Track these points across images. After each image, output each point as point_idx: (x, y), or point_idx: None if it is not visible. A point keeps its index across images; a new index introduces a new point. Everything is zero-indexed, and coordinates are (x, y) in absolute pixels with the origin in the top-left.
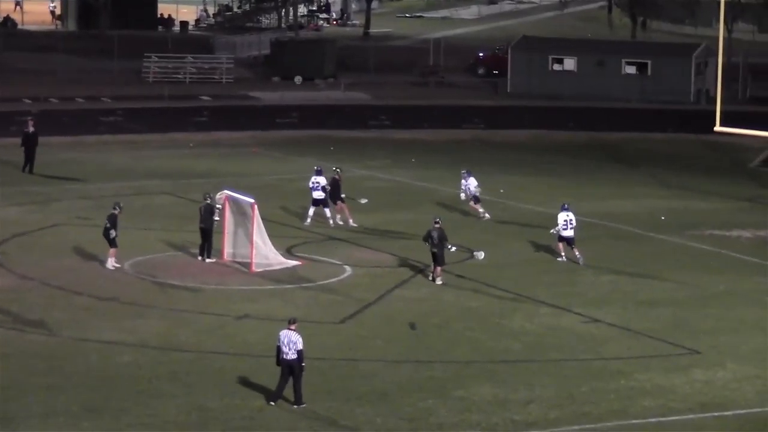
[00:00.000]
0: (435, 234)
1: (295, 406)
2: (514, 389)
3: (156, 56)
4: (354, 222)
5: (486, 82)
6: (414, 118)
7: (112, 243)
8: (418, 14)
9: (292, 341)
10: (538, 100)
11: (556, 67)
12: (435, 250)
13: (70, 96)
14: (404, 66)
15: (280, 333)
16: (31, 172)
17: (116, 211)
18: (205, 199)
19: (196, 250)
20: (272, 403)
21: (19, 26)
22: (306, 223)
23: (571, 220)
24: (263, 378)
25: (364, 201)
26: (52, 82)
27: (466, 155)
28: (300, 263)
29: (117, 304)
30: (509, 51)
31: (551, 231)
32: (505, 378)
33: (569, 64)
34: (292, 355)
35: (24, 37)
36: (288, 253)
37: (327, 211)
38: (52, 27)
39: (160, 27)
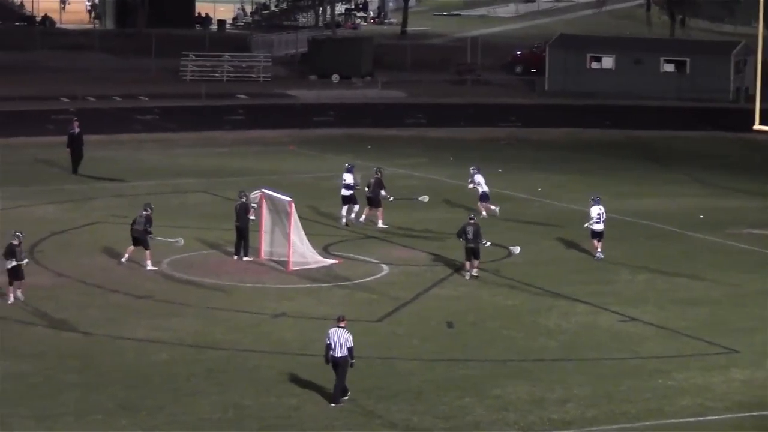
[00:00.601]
0: (470, 229)
1: (332, 405)
2: (550, 388)
3: (193, 55)
4: (383, 224)
5: (523, 81)
6: (450, 117)
7: (147, 245)
8: (455, 12)
9: (342, 339)
10: (576, 98)
11: (594, 65)
12: (471, 245)
13: (106, 94)
14: (441, 64)
15: (329, 330)
16: (75, 172)
17: (148, 212)
18: (241, 198)
19: (232, 249)
20: (342, 401)
21: (57, 25)
22: (343, 223)
23: (602, 212)
24: (299, 376)
25: (424, 199)
26: (89, 80)
27: (502, 154)
28: (337, 262)
29: (153, 302)
30: (547, 49)
31: (585, 225)
32: (541, 377)
33: (607, 62)
34: (341, 353)
35: (61, 36)
36: (325, 251)
37: (350, 209)
38: (90, 26)
39: (197, 25)
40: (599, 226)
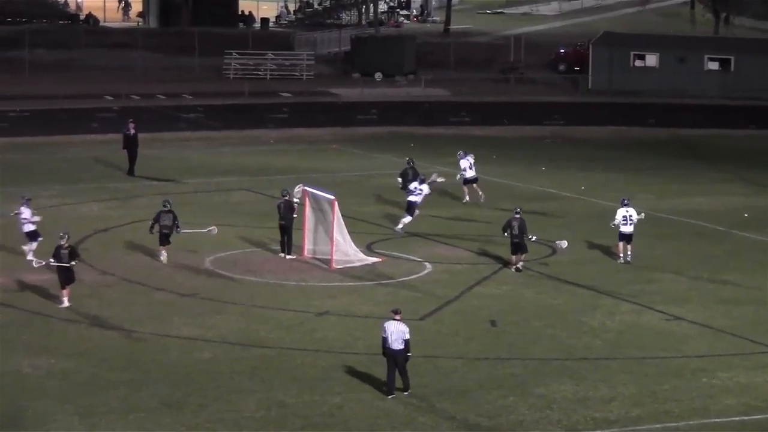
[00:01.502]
0: (515, 224)
1: (405, 393)
2: (594, 387)
3: (237, 53)
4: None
5: (566, 79)
6: (494, 115)
7: (167, 240)
8: (498, 11)
9: (400, 331)
10: (619, 96)
11: (638, 63)
12: (516, 240)
13: (150, 93)
14: (484, 62)
15: (385, 324)
16: (132, 173)
17: (169, 207)
18: (284, 196)
19: (276, 247)
20: (391, 397)
21: (101, 23)
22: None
23: (630, 216)
24: (343, 374)
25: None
26: (133, 79)
27: (545, 152)
28: (380, 260)
29: (197, 300)
30: (590, 47)
31: (611, 224)
32: (585, 375)
33: (651, 60)
34: (398, 345)
35: (105, 35)
36: (368, 249)
37: (407, 218)
38: (134, 24)
39: (240, 24)
40: (627, 229)
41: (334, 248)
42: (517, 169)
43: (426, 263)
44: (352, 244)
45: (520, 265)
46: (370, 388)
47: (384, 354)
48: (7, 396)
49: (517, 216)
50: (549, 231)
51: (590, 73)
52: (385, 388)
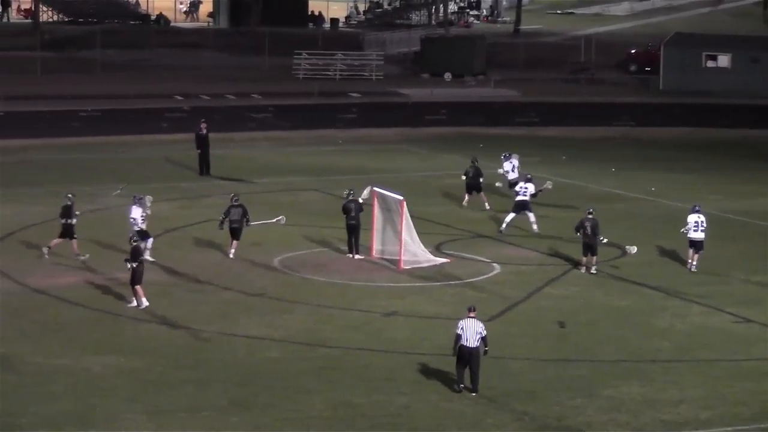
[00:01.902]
0: (588, 224)
1: (474, 394)
2: (663, 389)
3: (306, 53)
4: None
5: (637, 79)
6: (563, 115)
7: (240, 236)
8: (569, 11)
9: (477, 329)
10: (691, 97)
11: (710, 63)
12: (587, 240)
13: (220, 93)
14: (554, 63)
15: (460, 321)
16: (208, 173)
17: (238, 202)
18: (349, 196)
19: (343, 247)
20: (461, 386)
21: (171, 23)
22: (502, 230)
23: (702, 221)
24: (410, 375)
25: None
26: (203, 79)
27: (615, 153)
28: (448, 261)
29: (264, 299)
30: (662, 48)
31: (681, 231)
32: (654, 377)
33: (723, 60)
34: (474, 343)
35: (176, 35)
36: (436, 250)
37: (531, 216)
38: (204, 24)
39: (310, 24)
40: (698, 235)
41: (402, 249)
42: (586, 170)
43: (494, 264)
44: (421, 244)
45: (593, 269)
46: (436, 388)
47: (455, 353)
48: (77, 394)
49: (590, 216)
50: (618, 232)
51: (661, 74)
52: (455, 385)
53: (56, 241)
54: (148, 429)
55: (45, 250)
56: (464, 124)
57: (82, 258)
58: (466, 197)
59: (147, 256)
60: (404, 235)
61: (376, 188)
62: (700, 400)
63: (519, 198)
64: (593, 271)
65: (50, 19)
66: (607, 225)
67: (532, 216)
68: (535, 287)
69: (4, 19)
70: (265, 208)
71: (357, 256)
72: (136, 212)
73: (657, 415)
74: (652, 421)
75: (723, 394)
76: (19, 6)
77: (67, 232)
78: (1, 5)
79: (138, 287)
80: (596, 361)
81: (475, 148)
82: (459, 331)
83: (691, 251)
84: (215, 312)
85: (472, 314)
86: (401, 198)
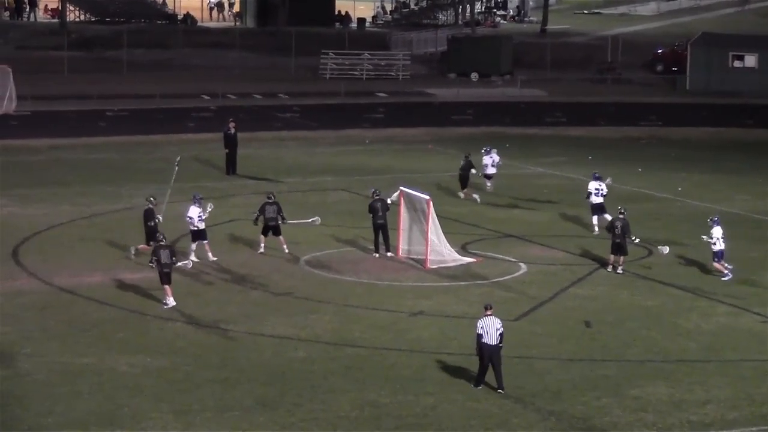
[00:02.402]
0: (618, 224)
1: (500, 391)
2: (690, 389)
3: (333, 53)
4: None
5: (664, 79)
6: (590, 115)
7: (280, 232)
8: (595, 11)
9: (495, 326)
10: (717, 97)
11: (737, 64)
12: (618, 240)
13: (247, 92)
14: (581, 63)
15: (479, 321)
16: (234, 173)
17: (273, 199)
18: (374, 196)
19: (370, 246)
20: (479, 386)
21: (199, 23)
22: (596, 233)
23: (720, 237)
24: (436, 374)
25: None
26: (230, 78)
27: (642, 153)
28: (475, 260)
29: (291, 299)
30: (688, 47)
31: (704, 238)
32: (681, 378)
33: (750, 60)
34: (494, 340)
35: (203, 34)
36: (463, 250)
37: (606, 217)
38: (230, 24)
39: (337, 24)
40: (718, 247)
41: (428, 248)
42: (613, 170)
43: (521, 264)
44: (447, 244)
45: (620, 269)
46: (463, 388)
47: (478, 352)
48: (103, 394)
49: (621, 216)
50: (645, 232)
51: (688, 74)
52: (474, 382)
53: (143, 246)
54: (174, 428)
55: (132, 250)
56: (491, 123)
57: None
58: (464, 190)
59: (193, 257)
60: (431, 235)
61: (403, 188)
62: (726, 400)
63: (595, 200)
64: (620, 270)
65: (77, 19)
66: (634, 225)
67: (607, 216)
68: (562, 287)
69: (31, 19)
70: (293, 208)
71: (389, 254)
72: (194, 211)
73: (683, 416)
74: (679, 422)
75: (750, 395)
76: (46, 6)
77: (151, 236)
78: (28, 5)
79: (166, 287)
80: (622, 361)
81: (502, 148)
82: (480, 331)
83: (716, 264)
84: (242, 311)
85: (489, 312)
86: (428, 197)
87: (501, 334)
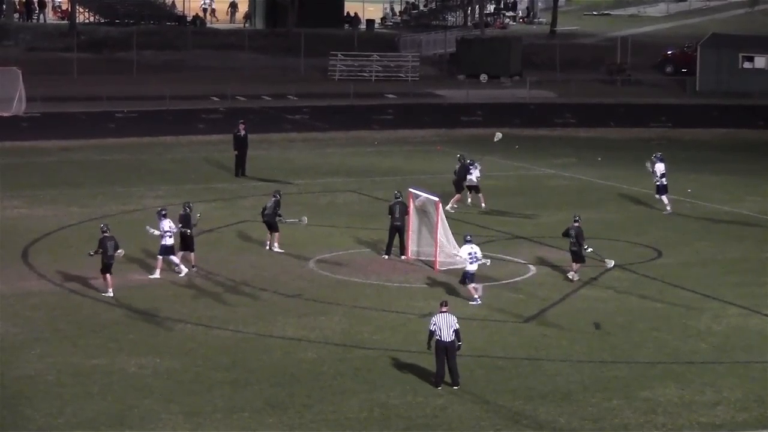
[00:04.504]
0: (573, 232)
1: (455, 387)
2: (700, 391)
3: (342, 54)
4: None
5: (674, 80)
6: (600, 116)
7: (277, 228)
8: (605, 12)
9: (450, 323)
10: (727, 98)
11: (747, 65)
12: (574, 248)
13: (256, 94)
14: (590, 64)
15: (433, 317)
16: (243, 174)
17: (277, 198)
18: (396, 198)
19: (379, 248)
20: (440, 387)
21: (208, 24)
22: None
23: (475, 253)
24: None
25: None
26: (239, 80)
27: (652, 154)
28: (484, 262)
29: (301, 300)
30: (698, 49)
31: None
32: (691, 379)
33: (760, 62)
34: (449, 337)
35: (212, 36)
36: None
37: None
38: (239, 25)
39: (346, 25)
40: (471, 268)
41: (438, 250)
42: (622, 171)
43: (530, 265)
44: (456, 245)
45: (575, 275)
46: (473, 389)
47: (430, 348)
48: (114, 395)
49: (576, 224)
50: (654, 233)
51: (698, 75)
52: (434, 379)
53: (179, 254)
54: (184, 430)
55: (176, 269)
56: (500, 125)
57: (195, 270)
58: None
59: (182, 266)
60: (440, 237)
61: (412, 189)
62: (737, 401)
63: (660, 182)
64: (573, 277)
65: (86, 20)
66: (644, 226)
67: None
68: (571, 289)
69: (41, 20)
70: (303, 209)
71: (403, 257)
72: (167, 224)
73: (694, 417)
74: (689, 423)
75: (760, 396)
76: (55, 7)
77: (186, 243)
78: (38, 6)
79: (108, 276)
80: (633, 362)
81: (512, 150)
82: (432, 327)
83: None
84: (252, 313)
85: (444, 309)
86: (437, 199)
87: (456, 331)
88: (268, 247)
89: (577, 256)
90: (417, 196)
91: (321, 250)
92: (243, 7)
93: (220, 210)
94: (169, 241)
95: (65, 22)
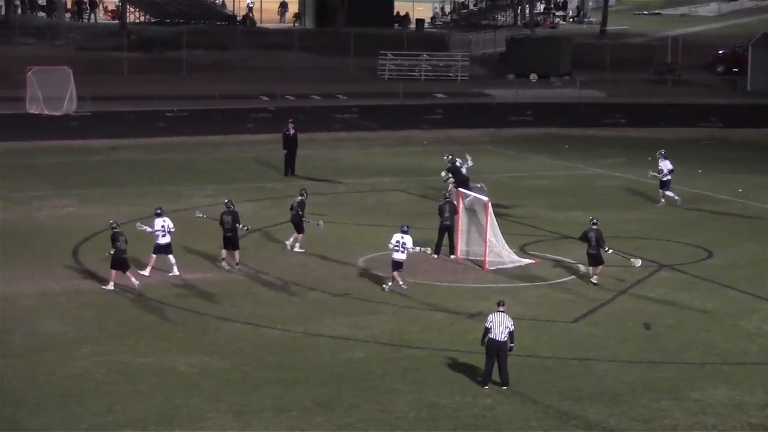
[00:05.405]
0: (593, 235)
1: (504, 388)
2: (750, 392)
3: (391, 54)
4: None
5: (724, 80)
6: (650, 117)
7: (301, 229)
8: (655, 11)
9: (506, 323)
10: None
11: None
12: (593, 251)
13: (305, 93)
14: (640, 64)
15: (490, 315)
16: (292, 173)
17: (303, 197)
18: (446, 198)
19: (428, 248)
20: (486, 387)
21: (258, 24)
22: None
23: (404, 243)
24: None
25: None
26: (288, 79)
27: (702, 154)
28: (533, 262)
29: (349, 299)
30: (749, 48)
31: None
32: (741, 380)
33: None
34: (503, 337)
35: (262, 35)
36: (521, 251)
37: (669, 193)
38: (289, 25)
39: (396, 25)
40: (399, 256)
41: (487, 249)
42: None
43: (580, 265)
44: (506, 245)
45: (594, 279)
46: (522, 389)
47: (483, 344)
48: (162, 393)
49: (595, 227)
50: (705, 234)
51: (749, 75)
52: (481, 378)
53: (225, 252)
54: (232, 428)
55: (225, 265)
56: (549, 125)
57: (238, 268)
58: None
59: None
60: (489, 236)
61: (461, 189)
62: None
63: (667, 178)
64: (595, 281)
65: (137, 20)
66: (694, 226)
67: (669, 192)
68: (620, 289)
69: (92, 20)
70: (351, 209)
71: (453, 256)
72: (159, 223)
73: (744, 418)
74: (740, 424)
75: None
76: (106, 7)
77: (228, 241)
78: (89, 6)
79: (116, 272)
80: (682, 363)
81: (560, 149)
82: (488, 325)
83: (395, 273)
84: (300, 312)
85: (501, 308)
86: (486, 199)
87: (511, 333)
88: (289, 247)
89: (597, 260)
90: (466, 196)
91: (369, 250)
92: (293, 7)
93: (268, 209)
94: (162, 239)
95: (115, 21)
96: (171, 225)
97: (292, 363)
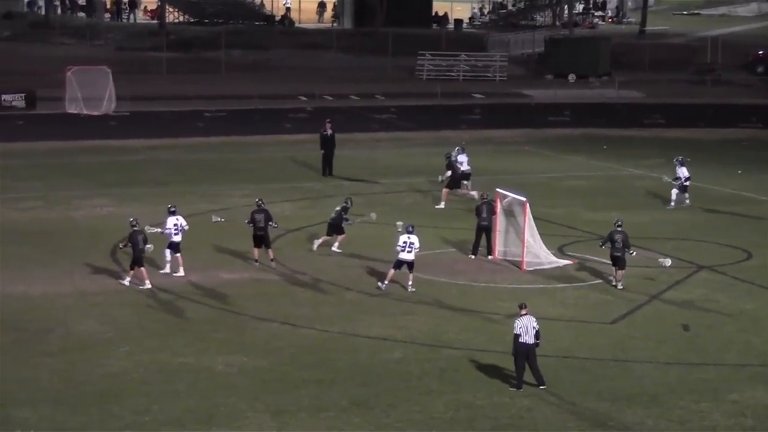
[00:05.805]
0: (618, 237)
1: (541, 387)
2: None
3: (429, 54)
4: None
5: (764, 81)
6: (689, 117)
7: (342, 231)
8: (695, 11)
9: (531, 325)
10: None
11: None
12: (617, 253)
13: (343, 93)
14: (679, 64)
15: (516, 321)
16: (330, 174)
17: (347, 204)
18: (484, 199)
19: (467, 248)
20: (521, 389)
21: (296, 24)
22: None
23: (413, 243)
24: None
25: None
26: (326, 79)
27: (742, 155)
28: (571, 262)
29: (387, 300)
30: None
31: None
32: None
33: None
34: (530, 339)
35: (300, 35)
36: (559, 252)
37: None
38: (328, 25)
39: (434, 25)
40: (407, 256)
41: (525, 250)
42: (711, 172)
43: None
44: (543, 246)
45: (619, 284)
46: (559, 390)
47: (514, 352)
48: (200, 393)
49: (620, 229)
50: (743, 235)
51: None
52: (515, 381)
53: (257, 251)
54: (270, 428)
55: (258, 264)
56: (588, 125)
57: (274, 265)
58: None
59: (167, 269)
60: (527, 237)
61: (499, 189)
62: None
63: (684, 184)
64: (620, 286)
65: (176, 20)
66: (732, 228)
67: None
68: (659, 290)
69: (131, 20)
70: (387, 209)
71: (490, 257)
72: (171, 222)
73: None
74: None
75: None
76: (145, 7)
77: (259, 239)
78: (128, 6)
79: (142, 269)
80: (721, 364)
81: (599, 150)
82: (517, 331)
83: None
84: (337, 312)
85: (525, 311)
86: (524, 199)
87: (537, 332)
88: (315, 247)
89: (621, 262)
90: (504, 197)
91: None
92: (332, 7)
93: (306, 209)
94: (176, 237)
95: (154, 21)
96: (184, 223)
97: (330, 363)
